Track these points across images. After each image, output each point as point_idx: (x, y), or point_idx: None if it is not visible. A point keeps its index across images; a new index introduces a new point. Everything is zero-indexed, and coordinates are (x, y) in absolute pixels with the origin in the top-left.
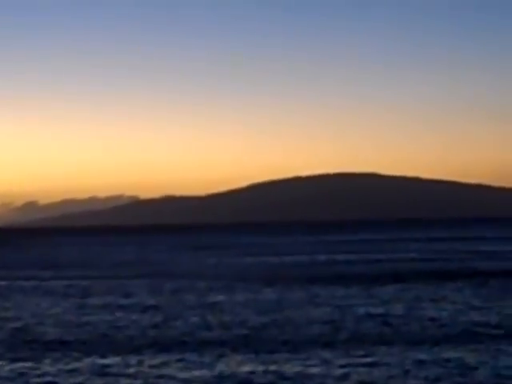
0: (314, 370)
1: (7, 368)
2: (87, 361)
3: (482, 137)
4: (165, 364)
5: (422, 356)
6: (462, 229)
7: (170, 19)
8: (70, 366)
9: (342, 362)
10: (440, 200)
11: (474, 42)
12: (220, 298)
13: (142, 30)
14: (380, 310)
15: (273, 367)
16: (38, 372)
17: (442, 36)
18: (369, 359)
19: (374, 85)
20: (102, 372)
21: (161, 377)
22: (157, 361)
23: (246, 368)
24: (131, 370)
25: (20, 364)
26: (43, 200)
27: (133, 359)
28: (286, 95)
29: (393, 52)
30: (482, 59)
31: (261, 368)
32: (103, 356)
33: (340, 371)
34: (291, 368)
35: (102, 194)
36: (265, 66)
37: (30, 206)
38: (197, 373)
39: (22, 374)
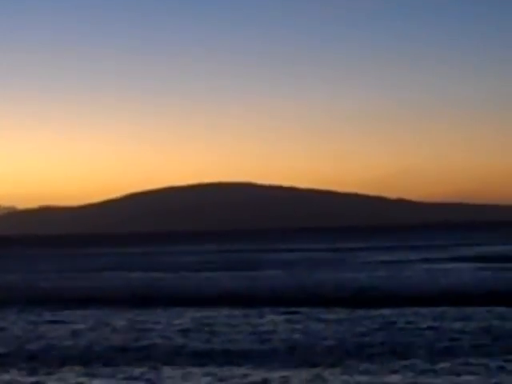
0: None
1: None
2: None
3: (355, 146)
4: None
5: None
6: (318, 238)
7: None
8: None
9: None
10: (315, 209)
11: (342, 51)
12: None
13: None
14: None
15: None
16: None
17: (307, 43)
18: None
19: (245, 93)
20: None
21: None
22: None
23: None
24: None
25: None
26: None
27: None
28: (159, 105)
29: (263, 59)
30: (357, 68)
31: None
32: None
33: None
34: None
35: None
36: (139, 74)
37: None
38: None
39: None
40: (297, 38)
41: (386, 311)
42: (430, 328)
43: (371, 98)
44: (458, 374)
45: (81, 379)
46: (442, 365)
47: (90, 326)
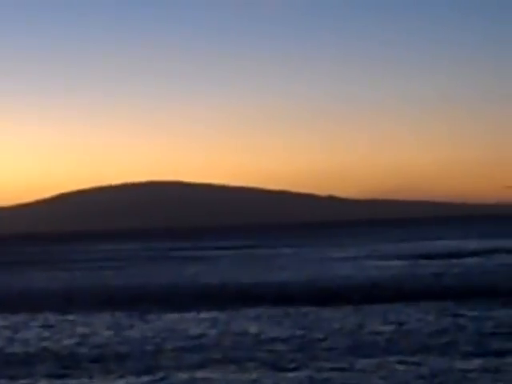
0: None
1: None
2: None
3: (285, 143)
4: None
5: None
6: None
7: None
8: None
9: None
10: (245, 207)
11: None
12: None
13: None
14: None
15: None
16: None
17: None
18: None
19: (175, 91)
20: None
21: None
22: None
23: None
24: None
25: None
26: None
27: None
28: (88, 104)
29: (196, 56)
30: (288, 64)
31: None
32: None
33: None
34: None
35: None
36: (67, 74)
37: None
38: None
39: None
40: (213, 39)
41: (307, 309)
42: (348, 326)
43: (302, 95)
44: (373, 372)
45: None
46: (358, 363)
47: None
